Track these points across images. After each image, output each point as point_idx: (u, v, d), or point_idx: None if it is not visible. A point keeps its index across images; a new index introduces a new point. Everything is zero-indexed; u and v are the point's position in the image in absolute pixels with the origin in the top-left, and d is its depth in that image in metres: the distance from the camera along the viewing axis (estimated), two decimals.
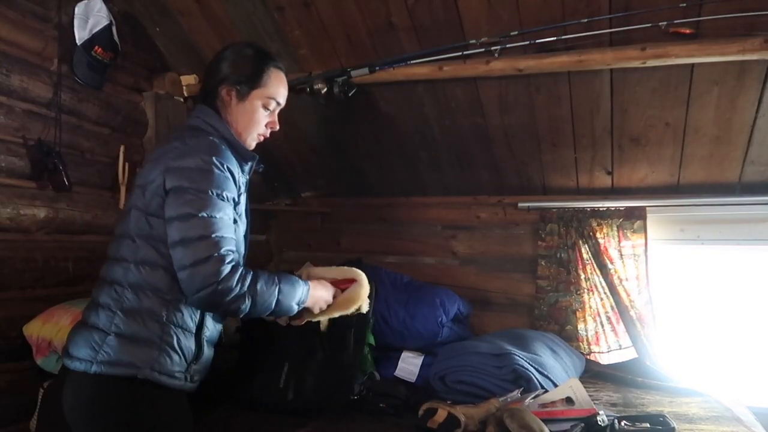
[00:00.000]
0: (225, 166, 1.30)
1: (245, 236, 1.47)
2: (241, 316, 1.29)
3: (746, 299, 2.42)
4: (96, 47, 2.15)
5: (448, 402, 1.78)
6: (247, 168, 1.45)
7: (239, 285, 1.24)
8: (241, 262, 1.39)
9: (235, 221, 1.35)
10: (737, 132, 2.15)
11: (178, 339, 1.30)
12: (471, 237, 2.83)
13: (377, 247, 3.00)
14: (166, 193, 1.28)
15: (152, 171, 1.32)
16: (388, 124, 2.58)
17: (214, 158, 1.28)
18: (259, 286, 1.28)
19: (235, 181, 1.33)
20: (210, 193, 1.25)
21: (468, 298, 2.55)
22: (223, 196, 1.27)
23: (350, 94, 2.27)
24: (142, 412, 1.27)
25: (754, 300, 2.41)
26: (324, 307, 1.51)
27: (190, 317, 1.32)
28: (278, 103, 1.50)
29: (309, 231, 3.17)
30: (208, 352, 1.40)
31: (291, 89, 2.41)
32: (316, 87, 2.26)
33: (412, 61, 2.17)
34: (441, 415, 1.56)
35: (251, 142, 1.49)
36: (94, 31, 2.14)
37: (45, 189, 2.10)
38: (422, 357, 2.20)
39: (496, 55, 2.03)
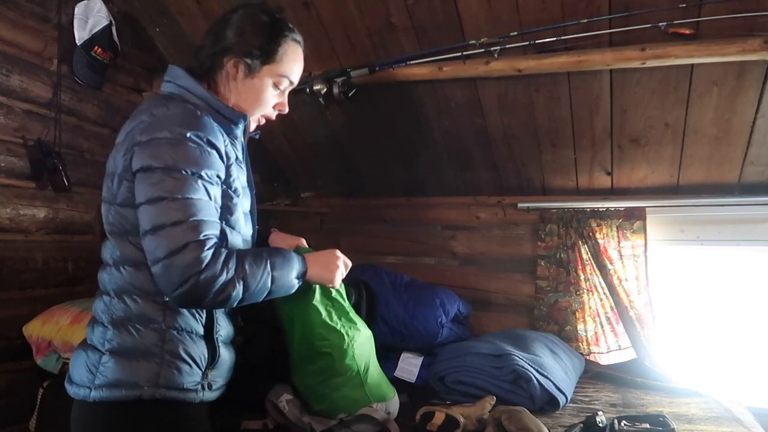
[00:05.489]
0: (204, 139, 1.10)
1: (251, 212, 1.32)
2: (234, 305, 1.11)
3: (746, 300, 2.42)
4: (96, 47, 2.15)
5: (448, 402, 1.78)
6: (238, 132, 1.25)
7: (224, 270, 1.06)
8: (250, 243, 1.28)
9: (230, 198, 1.18)
10: (737, 133, 2.14)
11: (185, 345, 1.13)
12: (471, 237, 2.83)
13: (377, 247, 3.00)
14: (134, 176, 1.10)
15: (117, 153, 1.14)
16: (388, 124, 2.58)
17: (188, 131, 1.09)
18: (247, 266, 1.10)
19: (220, 155, 1.14)
20: (184, 171, 1.06)
21: (468, 299, 2.55)
22: (200, 175, 1.08)
23: (350, 95, 2.28)
24: None
25: (753, 301, 2.41)
26: (338, 267, 1.32)
27: (195, 318, 1.16)
28: (291, 82, 1.31)
29: (309, 231, 3.14)
30: (226, 353, 1.23)
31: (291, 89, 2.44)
32: (316, 87, 2.26)
33: (411, 62, 2.17)
34: (439, 417, 1.55)
35: (252, 124, 1.32)
36: (94, 31, 2.15)
37: (45, 189, 2.10)
38: (422, 357, 2.20)
39: (496, 55, 2.03)
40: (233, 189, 1.19)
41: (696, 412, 1.82)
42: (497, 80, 2.20)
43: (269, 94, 1.27)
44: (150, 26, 2.46)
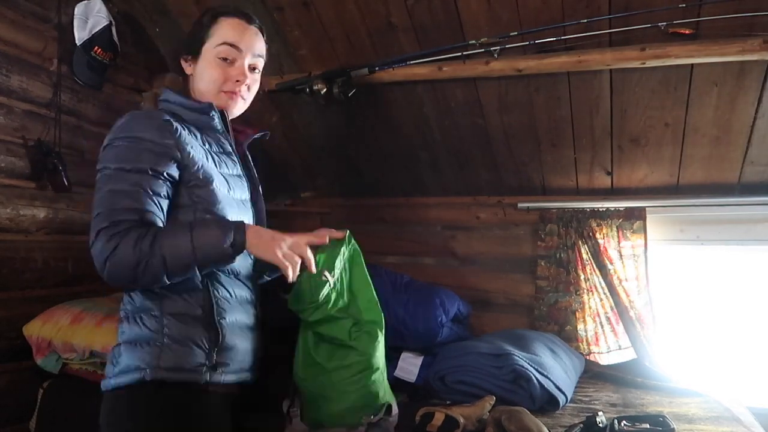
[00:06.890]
0: (135, 137, 1.18)
1: (248, 202, 1.36)
2: (167, 279, 1.13)
3: (746, 300, 2.42)
4: (96, 47, 2.16)
5: (448, 402, 1.78)
6: (214, 123, 1.31)
7: (137, 249, 1.09)
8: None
9: (198, 187, 1.22)
10: (737, 132, 2.15)
11: (183, 329, 1.19)
12: (471, 237, 2.83)
13: (377, 248, 3.00)
14: None
15: None
16: (388, 124, 2.58)
17: (121, 134, 1.19)
18: (164, 239, 1.12)
19: (161, 147, 1.19)
20: (111, 168, 1.17)
21: (468, 299, 2.55)
22: (127, 168, 1.16)
23: (350, 95, 2.27)
24: (156, 417, 1.16)
25: (753, 300, 2.41)
26: (277, 244, 1.21)
27: (189, 303, 1.21)
28: (236, 48, 1.30)
29: (309, 231, 3.16)
30: (234, 338, 1.25)
31: (291, 89, 2.44)
32: (315, 87, 2.26)
33: (411, 62, 2.17)
34: (438, 418, 1.55)
35: (233, 109, 1.35)
36: (94, 31, 2.15)
37: (45, 189, 2.10)
38: (422, 357, 2.20)
39: (496, 55, 2.03)
40: (201, 176, 1.23)
41: (696, 412, 1.82)
42: (497, 80, 2.20)
43: (217, 68, 1.31)
44: (150, 26, 2.46)
